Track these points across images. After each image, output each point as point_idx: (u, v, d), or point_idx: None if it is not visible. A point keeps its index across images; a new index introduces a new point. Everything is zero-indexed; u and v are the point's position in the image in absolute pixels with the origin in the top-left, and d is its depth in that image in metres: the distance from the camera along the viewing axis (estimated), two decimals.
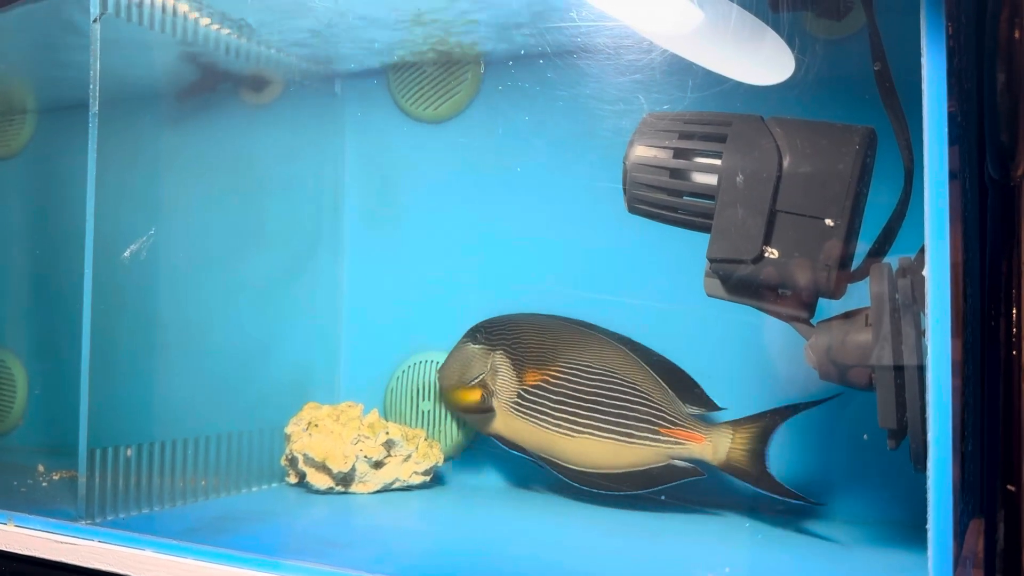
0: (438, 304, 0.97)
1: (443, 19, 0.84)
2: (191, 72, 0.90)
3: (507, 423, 0.87)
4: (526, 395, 0.85)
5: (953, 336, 0.54)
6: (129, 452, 0.79)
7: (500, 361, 0.87)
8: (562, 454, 0.84)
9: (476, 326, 0.90)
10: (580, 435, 0.82)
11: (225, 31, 0.90)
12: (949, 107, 0.58)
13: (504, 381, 0.87)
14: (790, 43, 0.71)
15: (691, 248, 0.63)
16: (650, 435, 0.81)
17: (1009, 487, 0.53)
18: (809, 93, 0.70)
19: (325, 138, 1.02)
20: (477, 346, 0.89)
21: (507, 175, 0.93)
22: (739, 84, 0.67)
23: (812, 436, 0.81)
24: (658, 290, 0.86)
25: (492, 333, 0.89)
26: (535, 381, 0.85)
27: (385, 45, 0.94)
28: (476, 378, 0.88)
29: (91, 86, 0.77)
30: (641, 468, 0.81)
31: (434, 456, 0.90)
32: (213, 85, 0.92)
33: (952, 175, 0.61)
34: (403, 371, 0.98)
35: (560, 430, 0.83)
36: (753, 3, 0.70)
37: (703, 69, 0.67)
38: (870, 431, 0.66)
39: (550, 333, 0.86)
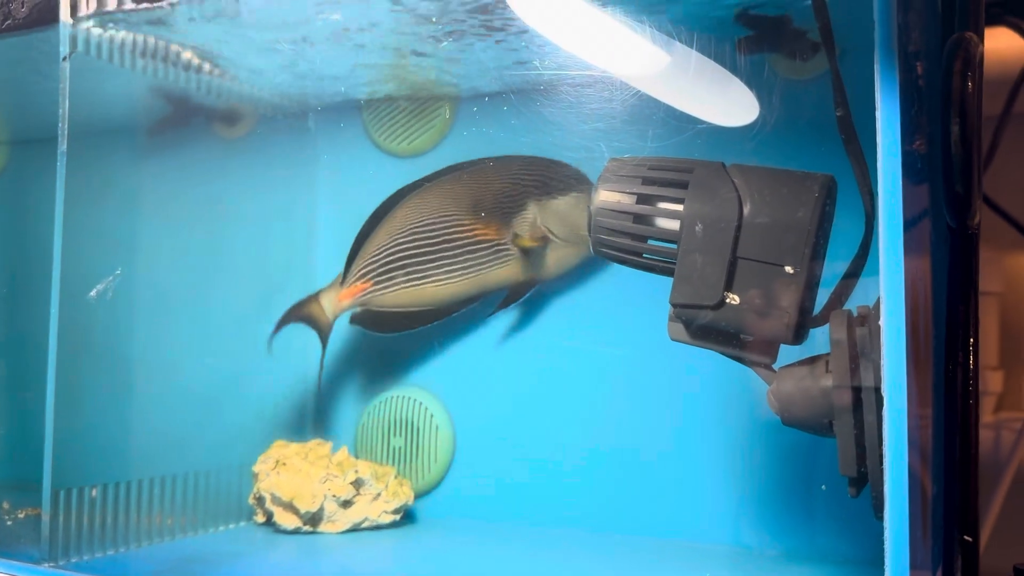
0: (410, 340, 0.97)
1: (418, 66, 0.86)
2: (162, 107, 0.90)
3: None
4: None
5: (919, 382, 0.55)
6: (94, 493, 0.78)
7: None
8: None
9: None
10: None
11: (196, 64, 0.90)
12: (917, 146, 0.59)
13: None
14: (755, 84, 0.72)
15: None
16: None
17: (966, 538, 0.53)
18: (773, 135, 0.71)
19: (298, 172, 1.02)
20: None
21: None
22: (698, 133, 0.68)
23: (788, 474, 0.81)
24: (628, 334, 0.86)
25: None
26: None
27: (358, 82, 0.94)
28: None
29: (60, 124, 0.77)
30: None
31: (404, 495, 0.89)
32: (185, 120, 0.92)
33: (922, 213, 0.62)
34: (374, 407, 0.98)
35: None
36: (715, 45, 0.71)
37: (662, 118, 0.67)
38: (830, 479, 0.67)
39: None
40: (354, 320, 0.94)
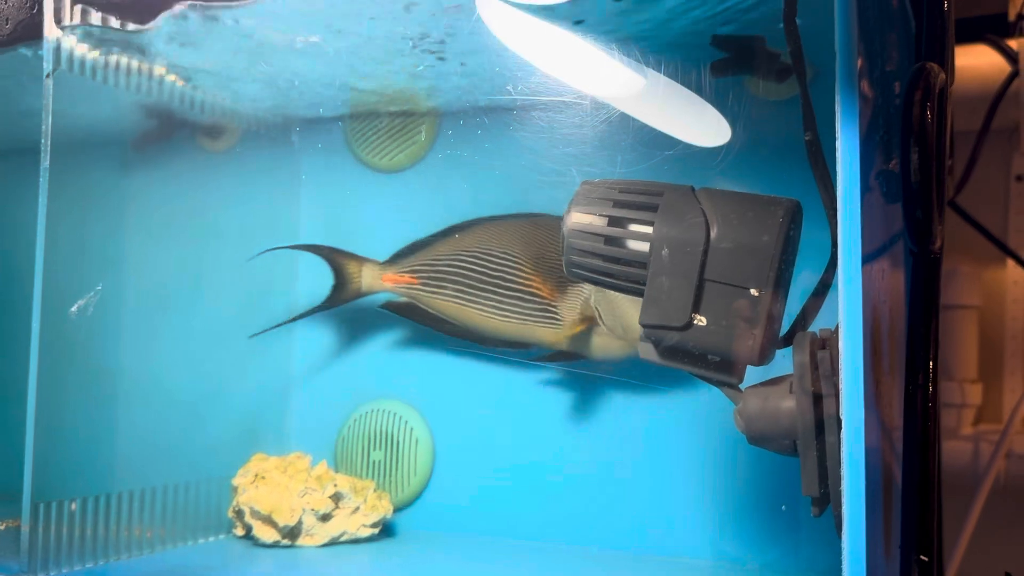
0: (390, 354, 0.98)
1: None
2: (145, 122, 0.91)
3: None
4: None
5: (880, 403, 0.56)
6: (74, 505, 0.79)
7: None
8: None
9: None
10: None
11: (181, 83, 0.91)
12: (885, 169, 0.60)
13: None
14: (728, 106, 0.73)
15: None
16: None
17: (923, 557, 0.54)
18: (746, 156, 0.72)
19: (281, 186, 1.03)
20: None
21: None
22: (665, 159, 0.69)
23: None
24: None
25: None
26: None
27: (341, 99, 0.95)
28: None
29: (43, 140, 0.77)
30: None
31: (383, 508, 0.90)
32: (168, 135, 0.93)
33: (888, 235, 0.63)
34: (354, 420, 0.98)
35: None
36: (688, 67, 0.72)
37: (631, 143, 0.68)
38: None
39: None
40: (387, 306, 0.92)
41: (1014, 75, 1.07)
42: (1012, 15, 1.10)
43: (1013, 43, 1.08)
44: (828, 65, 0.66)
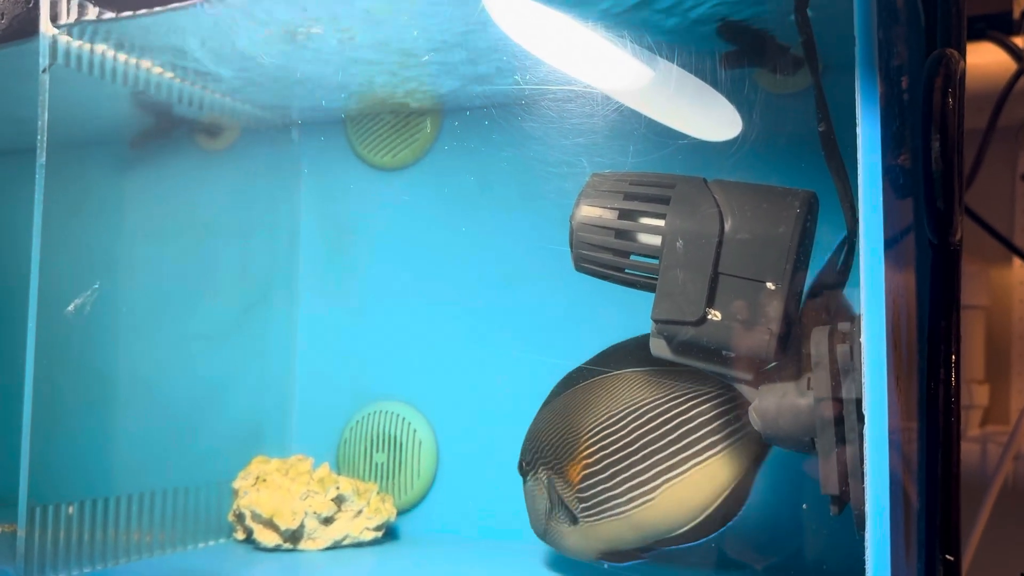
0: (393, 354, 0.97)
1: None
2: (143, 119, 0.90)
3: (590, 536, 0.70)
4: (584, 494, 0.69)
5: (901, 399, 0.54)
6: (71, 509, 0.77)
7: (551, 481, 0.71)
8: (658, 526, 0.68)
9: (520, 459, 0.77)
10: (659, 491, 0.66)
11: (179, 80, 0.89)
12: (900, 162, 0.59)
13: (566, 495, 0.70)
14: (738, 98, 0.72)
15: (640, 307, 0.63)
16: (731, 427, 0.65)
17: (948, 557, 0.53)
18: (756, 149, 0.71)
19: (281, 184, 1.02)
20: (531, 482, 0.74)
21: (462, 224, 0.93)
22: (679, 149, 0.68)
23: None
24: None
25: (529, 457, 0.75)
26: (577, 473, 0.69)
27: (341, 94, 0.94)
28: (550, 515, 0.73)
29: (39, 136, 0.76)
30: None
31: (386, 511, 0.88)
32: (166, 132, 0.92)
33: (905, 228, 0.62)
34: (357, 422, 0.97)
35: (637, 502, 0.67)
36: (698, 59, 0.71)
37: (643, 134, 0.67)
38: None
39: (559, 413, 0.73)
40: None
41: (1020, 72, 1.06)
42: (1017, 13, 1.10)
43: (1019, 40, 1.08)
44: (835, 60, 0.65)
